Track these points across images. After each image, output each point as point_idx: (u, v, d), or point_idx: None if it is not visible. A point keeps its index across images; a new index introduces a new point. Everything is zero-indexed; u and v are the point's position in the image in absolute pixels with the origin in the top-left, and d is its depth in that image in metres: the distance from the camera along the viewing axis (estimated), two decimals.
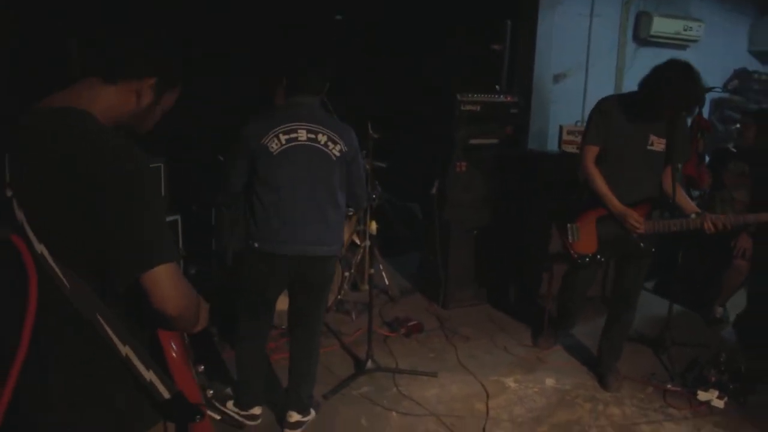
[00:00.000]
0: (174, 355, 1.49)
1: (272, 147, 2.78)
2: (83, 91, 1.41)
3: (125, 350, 1.36)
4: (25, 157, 1.33)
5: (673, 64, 3.18)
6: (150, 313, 1.36)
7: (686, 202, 3.41)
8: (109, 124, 1.43)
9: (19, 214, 1.30)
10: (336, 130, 2.88)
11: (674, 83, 3.11)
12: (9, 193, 1.31)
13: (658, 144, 3.36)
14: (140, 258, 1.31)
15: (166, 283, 1.32)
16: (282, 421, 3.22)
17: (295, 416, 3.20)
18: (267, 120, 2.83)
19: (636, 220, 3.35)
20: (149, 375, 1.39)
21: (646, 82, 3.26)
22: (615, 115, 3.40)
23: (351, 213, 4.75)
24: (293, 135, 2.80)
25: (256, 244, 2.89)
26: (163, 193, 1.33)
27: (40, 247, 1.29)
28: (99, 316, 1.33)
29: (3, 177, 1.33)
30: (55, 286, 1.31)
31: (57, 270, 1.30)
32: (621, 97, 3.46)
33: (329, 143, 2.84)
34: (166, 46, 1.50)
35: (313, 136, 2.82)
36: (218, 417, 1.59)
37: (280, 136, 2.78)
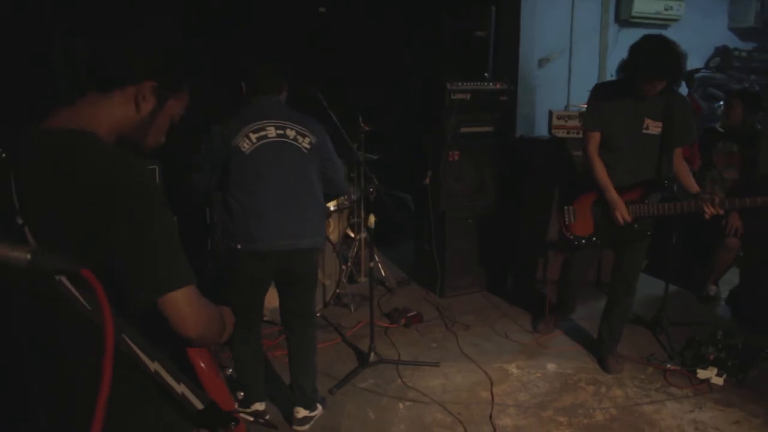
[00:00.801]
0: (202, 365, 1.49)
1: (243, 147, 2.80)
2: (86, 109, 1.37)
3: (154, 366, 1.35)
4: (35, 184, 1.29)
5: (645, 37, 3.23)
6: (174, 336, 1.35)
7: (690, 184, 3.44)
8: (116, 140, 1.40)
9: (32, 242, 1.28)
10: (303, 124, 2.91)
11: (645, 52, 3.15)
12: (20, 221, 1.28)
13: (654, 127, 3.39)
14: (157, 283, 1.30)
15: (184, 307, 1.32)
16: (290, 418, 3.24)
17: (302, 412, 3.22)
18: (236, 120, 2.85)
19: (622, 215, 3.41)
20: (181, 388, 1.39)
21: (623, 60, 3.30)
22: (610, 99, 3.43)
23: (345, 206, 4.75)
24: (263, 133, 2.82)
25: (238, 246, 2.89)
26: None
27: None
28: (125, 336, 1.31)
29: (11, 203, 1.29)
30: (77, 309, 1.28)
31: (76, 293, 1.27)
32: (615, 82, 3.47)
33: (298, 137, 2.87)
34: (159, 46, 1.43)
35: (281, 131, 2.85)
36: (251, 419, 1.58)
37: (250, 135, 2.80)
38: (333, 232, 4.98)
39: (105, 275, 1.26)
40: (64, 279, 1.26)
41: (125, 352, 1.32)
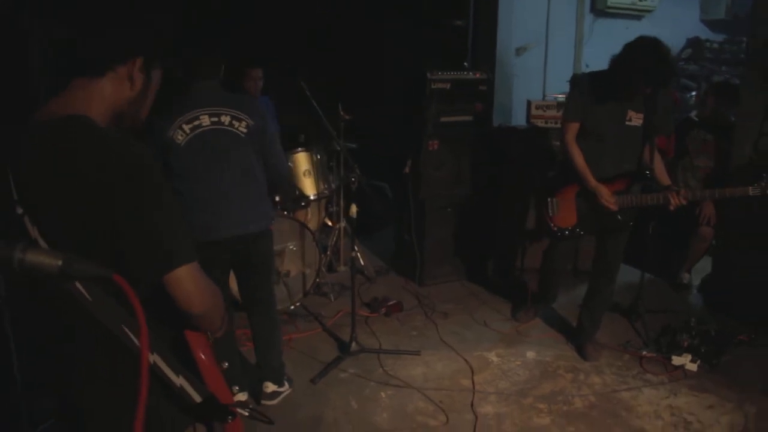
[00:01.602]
0: (203, 356, 1.49)
1: (178, 139, 2.75)
2: (76, 93, 1.36)
3: (153, 358, 1.36)
4: (32, 173, 1.29)
5: (640, 42, 3.24)
6: (176, 314, 1.36)
7: (663, 176, 3.50)
8: (111, 120, 1.40)
9: (33, 231, 1.28)
10: (238, 107, 2.85)
11: (642, 61, 3.17)
12: (20, 211, 1.29)
13: (636, 119, 3.43)
14: (161, 261, 1.30)
15: (189, 283, 1.33)
16: (259, 395, 3.30)
17: (270, 386, 3.30)
18: (169, 111, 2.79)
19: (607, 199, 3.45)
20: (179, 380, 1.39)
21: (616, 61, 3.32)
22: (592, 91, 3.45)
23: (325, 195, 4.73)
24: (196, 123, 2.78)
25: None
26: None
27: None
28: (123, 327, 1.32)
29: (10, 194, 1.29)
30: (78, 301, 1.29)
31: (77, 284, 1.28)
32: (598, 74, 3.50)
33: (234, 122, 2.83)
34: (141, 21, 1.43)
35: (216, 119, 2.81)
36: (246, 414, 1.58)
37: (184, 126, 2.76)
38: (311, 221, 4.95)
39: (113, 260, 1.28)
40: None
41: (125, 344, 1.33)
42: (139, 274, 1.29)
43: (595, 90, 3.43)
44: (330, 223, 5.17)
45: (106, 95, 1.38)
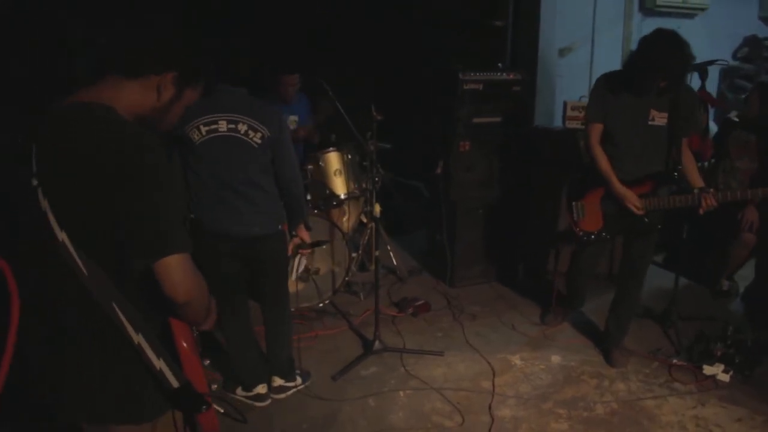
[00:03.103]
0: (184, 344, 1.54)
1: (194, 137, 2.84)
2: (106, 88, 1.46)
3: (138, 338, 1.43)
4: (51, 149, 1.39)
5: (656, 34, 3.16)
6: (162, 300, 1.42)
7: (694, 177, 3.40)
8: (131, 119, 1.47)
9: (44, 203, 1.37)
10: (258, 117, 2.90)
11: (656, 53, 3.09)
12: (35, 183, 1.38)
13: (659, 118, 3.34)
14: (154, 246, 1.37)
15: (177, 272, 1.39)
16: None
17: (278, 380, 3.37)
18: (191, 109, 2.84)
19: (634, 204, 3.37)
20: (159, 363, 1.46)
21: (632, 55, 3.25)
22: (614, 91, 3.38)
23: (356, 195, 4.78)
24: (213, 126, 2.85)
25: (193, 215, 2.98)
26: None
27: (62, 235, 1.37)
28: (114, 304, 1.40)
29: (30, 168, 1.39)
30: (74, 274, 1.38)
31: (76, 257, 1.37)
32: (619, 73, 3.41)
33: (249, 131, 2.89)
34: (184, 40, 1.52)
35: (233, 126, 2.87)
36: (222, 410, 1.63)
37: (201, 127, 2.84)
38: (349, 220, 5.02)
39: (111, 237, 1.37)
40: (67, 241, 1.36)
41: (114, 321, 1.41)
42: (132, 256, 1.39)
43: (614, 89, 3.36)
44: (365, 221, 5.21)
45: (132, 96, 1.47)
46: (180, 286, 1.40)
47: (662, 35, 3.12)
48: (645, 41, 3.16)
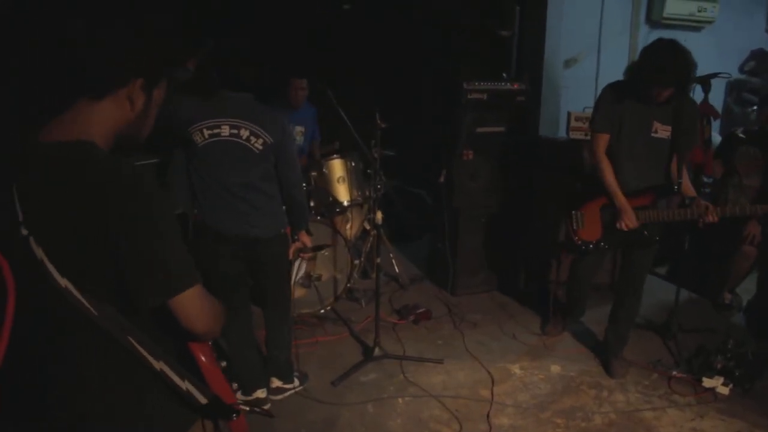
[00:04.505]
0: (203, 358, 1.55)
1: (197, 139, 2.88)
2: (78, 116, 1.38)
3: (159, 365, 1.40)
4: (38, 196, 1.32)
5: (656, 44, 3.19)
6: (178, 330, 1.40)
7: (689, 190, 3.41)
8: (112, 140, 1.42)
9: (38, 252, 1.30)
10: (260, 123, 2.92)
11: (656, 61, 3.12)
12: (25, 232, 1.31)
13: (662, 131, 3.36)
14: (164, 287, 1.34)
15: (193, 306, 1.37)
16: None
17: (276, 382, 3.40)
18: (196, 110, 2.89)
19: (627, 222, 3.39)
20: (185, 385, 1.44)
21: (635, 63, 3.28)
22: (619, 102, 3.39)
23: (359, 202, 4.80)
24: (216, 131, 2.88)
25: (197, 212, 3.02)
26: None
27: (64, 282, 1.30)
28: (130, 338, 1.36)
29: (15, 215, 1.32)
30: (84, 315, 1.33)
31: (83, 300, 1.32)
32: (624, 84, 3.43)
33: (251, 137, 2.91)
34: (142, 42, 1.42)
35: (235, 131, 2.89)
36: (247, 409, 1.65)
37: (204, 131, 2.87)
38: (352, 227, 5.05)
39: (117, 280, 1.32)
40: (70, 287, 1.31)
41: (132, 352, 1.38)
42: (141, 301, 1.34)
43: (620, 99, 3.38)
44: (368, 228, 5.23)
45: (106, 118, 1.40)
46: (197, 319, 1.39)
47: (663, 42, 3.16)
48: (646, 49, 3.20)
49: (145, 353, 1.38)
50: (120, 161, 1.37)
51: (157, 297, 1.34)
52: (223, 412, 1.50)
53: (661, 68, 3.09)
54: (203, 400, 1.46)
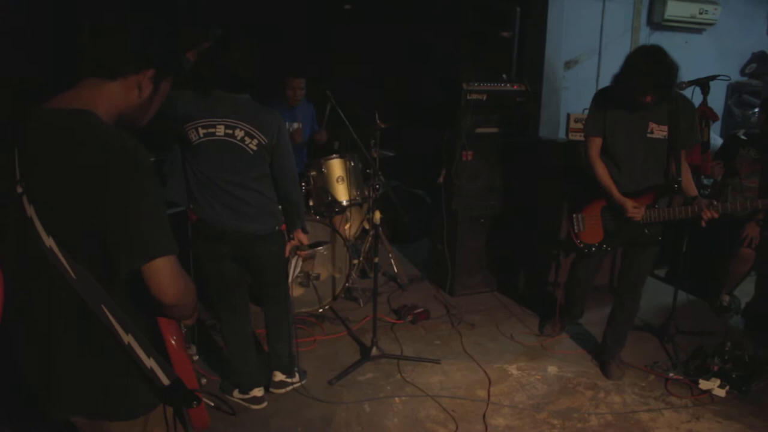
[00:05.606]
0: (173, 342, 1.57)
1: (192, 137, 2.90)
2: (85, 92, 1.48)
3: (128, 339, 1.46)
4: (36, 156, 1.41)
5: (638, 49, 3.24)
6: (150, 300, 1.45)
7: (690, 189, 3.41)
8: (113, 120, 1.51)
9: (29, 210, 1.39)
10: (255, 124, 2.93)
11: (637, 66, 3.14)
12: (20, 190, 1.41)
13: (659, 131, 3.36)
14: (141, 250, 1.39)
15: (164, 275, 1.42)
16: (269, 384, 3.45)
17: (279, 375, 3.44)
18: (193, 108, 2.91)
19: (632, 208, 3.38)
20: (150, 362, 1.48)
21: (619, 70, 3.30)
22: (613, 104, 3.41)
23: (357, 202, 4.81)
24: (211, 130, 2.90)
25: (192, 206, 3.03)
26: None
27: (49, 241, 1.39)
28: (103, 306, 1.42)
29: (14, 174, 1.41)
30: (62, 278, 1.40)
31: (64, 262, 1.40)
32: (611, 87, 3.44)
33: (246, 138, 2.92)
34: (161, 38, 1.55)
35: (230, 131, 2.91)
36: (212, 404, 1.66)
37: (199, 129, 2.89)
38: (350, 227, 5.05)
39: (98, 242, 1.39)
40: (54, 247, 1.39)
41: (103, 322, 1.43)
42: (119, 262, 1.40)
43: (616, 103, 3.39)
44: (368, 228, 5.24)
45: (113, 98, 1.50)
46: (168, 288, 1.43)
47: (643, 48, 3.22)
48: (627, 57, 3.23)
49: (115, 323, 1.43)
50: (120, 131, 1.45)
51: (135, 260, 1.39)
52: (184, 397, 1.53)
53: (638, 76, 3.13)
54: (166, 381, 1.50)
